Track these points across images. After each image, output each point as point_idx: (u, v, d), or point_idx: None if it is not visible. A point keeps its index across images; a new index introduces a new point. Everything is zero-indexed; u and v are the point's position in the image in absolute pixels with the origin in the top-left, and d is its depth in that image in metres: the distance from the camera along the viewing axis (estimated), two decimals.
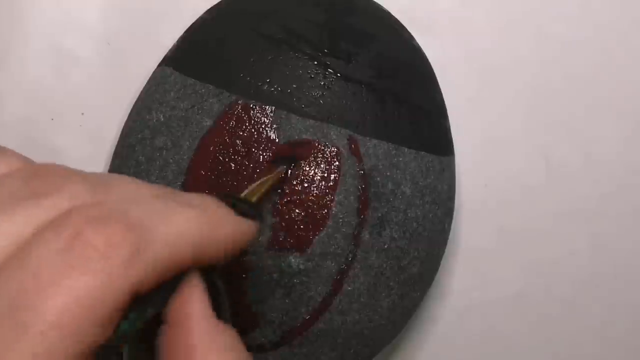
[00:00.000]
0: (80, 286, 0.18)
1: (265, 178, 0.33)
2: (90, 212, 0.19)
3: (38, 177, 0.21)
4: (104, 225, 0.19)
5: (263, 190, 0.32)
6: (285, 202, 0.34)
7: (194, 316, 0.21)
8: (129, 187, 0.22)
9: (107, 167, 0.39)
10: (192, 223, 0.21)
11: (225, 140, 0.35)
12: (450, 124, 0.39)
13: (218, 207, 0.23)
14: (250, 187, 0.32)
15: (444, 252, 0.39)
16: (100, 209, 0.20)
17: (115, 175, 0.23)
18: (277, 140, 0.34)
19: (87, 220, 0.19)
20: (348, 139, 0.35)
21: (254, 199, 0.31)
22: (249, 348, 0.35)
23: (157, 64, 0.39)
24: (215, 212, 0.23)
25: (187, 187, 0.35)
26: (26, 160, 0.22)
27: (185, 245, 0.21)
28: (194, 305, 0.21)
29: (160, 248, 0.20)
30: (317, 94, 0.35)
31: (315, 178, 0.34)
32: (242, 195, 0.30)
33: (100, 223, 0.19)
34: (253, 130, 0.35)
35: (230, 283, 0.27)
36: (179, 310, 0.21)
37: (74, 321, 0.18)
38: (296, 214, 0.34)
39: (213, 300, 0.22)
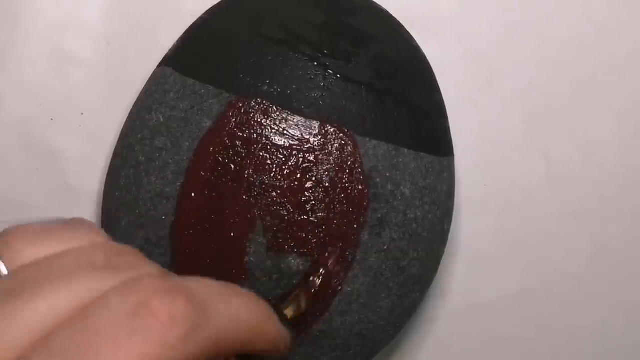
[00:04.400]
0: (138, 352, 0.18)
1: (300, 297, 0.34)
2: (157, 283, 0.20)
3: (119, 254, 0.22)
4: (169, 297, 0.19)
5: (301, 308, 0.33)
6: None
7: None
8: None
9: (107, 167, 0.39)
10: (247, 311, 0.22)
11: (225, 141, 0.35)
12: (450, 124, 0.39)
13: (265, 304, 0.24)
14: (286, 304, 0.33)
15: (443, 252, 0.39)
16: (167, 281, 0.20)
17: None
18: (280, 143, 0.34)
19: (153, 290, 0.19)
20: (348, 140, 0.35)
21: (290, 314, 0.32)
22: None
23: (157, 64, 0.39)
24: (264, 308, 0.23)
25: (186, 188, 0.35)
26: (108, 237, 0.23)
27: (239, 330, 0.21)
28: None
29: (218, 327, 0.20)
30: (317, 94, 0.35)
31: (313, 179, 0.34)
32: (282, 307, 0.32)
33: (166, 295, 0.19)
34: (253, 131, 0.35)
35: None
36: None
37: None
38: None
39: None
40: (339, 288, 0.34)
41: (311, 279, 0.34)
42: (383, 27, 0.39)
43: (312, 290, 0.34)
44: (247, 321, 0.22)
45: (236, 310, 0.21)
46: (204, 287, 0.21)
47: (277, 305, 0.30)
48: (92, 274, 0.20)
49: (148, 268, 0.21)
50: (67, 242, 0.22)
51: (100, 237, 0.23)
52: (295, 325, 0.33)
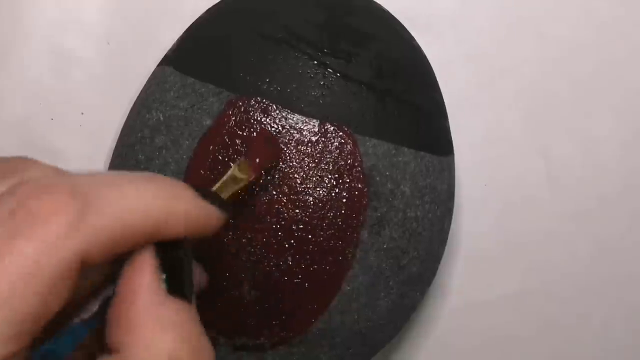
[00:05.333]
0: (21, 253, 0.18)
1: (239, 177, 0.32)
2: (38, 183, 0.19)
3: (5, 162, 0.21)
4: (47, 193, 0.19)
5: (236, 188, 0.31)
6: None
7: (140, 289, 0.21)
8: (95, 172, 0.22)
9: (107, 167, 0.39)
10: (146, 194, 0.21)
11: (225, 140, 0.35)
12: (450, 124, 0.39)
13: (176, 184, 0.23)
14: (222, 181, 0.31)
15: (443, 251, 0.39)
16: (47, 180, 0.20)
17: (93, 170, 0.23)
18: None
19: (32, 190, 0.19)
20: (347, 139, 0.35)
21: (223, 194, 0.30)
22: (249, 347, 0.35)
23: (157, 63, 0.39)
24: (173, 187, 0.22)
25: None
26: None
27: (138, 215, 0.21)
28: (141, 278, 0.21)
29: (108, 216, 0.20)
30: (317, 93, 0.35)
31: (313, 178, 0.34)
32: (214, 188, 0.30)
33: (44, 191, 0.19)
34: (253, 129, 0.35)
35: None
36: (127, 283, 0.21)
37: (14, 289, 0.18)
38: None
39: (174, 276, 0.22)
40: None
41: (242, 158, 0.33)
42: (383, 27, 0.39)
43: (245, 167, 0.32)
44: (146, 206, 0.21)
45: (131, 196, 0.21)
46: (91, 179, 0.20)
47: (206, 187, 0.28)
48: None
49: (37, 170, 0.21)
50: None
51: None
52: (235, 204, 0.31)
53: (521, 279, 0.44)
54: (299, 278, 0.34)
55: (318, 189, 0.34)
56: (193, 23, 0.39)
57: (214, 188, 0.30)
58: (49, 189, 0.19)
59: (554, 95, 0.44)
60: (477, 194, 0.43)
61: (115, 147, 0.38)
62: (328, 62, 0.36)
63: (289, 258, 0.34)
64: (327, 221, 0.34)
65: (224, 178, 0.31)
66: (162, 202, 0.21)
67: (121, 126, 0.39)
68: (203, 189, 0.24)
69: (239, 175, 0.31)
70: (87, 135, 0.42)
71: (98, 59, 0.43)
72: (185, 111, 0.35)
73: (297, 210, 0.34)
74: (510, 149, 0.44)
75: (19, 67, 0.42)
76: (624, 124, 0.44)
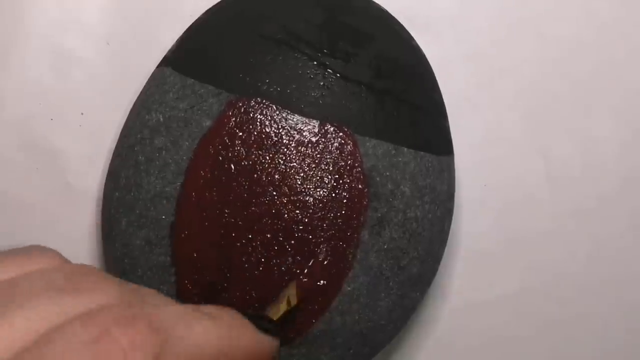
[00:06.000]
0: None
1: (289, 293, 0.33)
2: (119, 312, 0.20)
3: (78, 275, 0.22)
4: (131, 325, 0.19)
5: (288, 308, 0.32)
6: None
7: None
8: (158, 296, 0.23)
9: (107, 167, 0.39)
10: (212, 333, 0.22)
11: (225, 140, 0.35)
12: (450, 124, 0.39)
13: (237, 319, 0.24)
14: (276, 302, 0.33)
15: (443, 252, 0.39)
16: (128, 309, 0.20)
17: (146, 289, 0.24)
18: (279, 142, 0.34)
19: (114, 319, 0.19)
20: (347, 139, 0.35)
21: (276, 316, 0.32)
22: None
23: (157, 64, 0.39)
24: (235, 324, 0.23)
25: (186, 188, 0.35)
26: (66, 260, 0.23)
27: (204, 354, 0.21)
28: None
29: (179, 353, 0.20)
30: (317, 94, 0.35)
31: (313, 178, 0.34)
32: (266, 312, 0.32)
33: (127, 322, 0.19)
34: (252, 130, 0.35)
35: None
36: None
37: None
38: None
39: None
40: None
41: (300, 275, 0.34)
42: (383, 27, 0.39)
43: (300, 286, 0.34)
44: (211, 345, 0.22)
45: (199, 335, 0.21)
46: (165, 314, 0.21)
47: (259, 310, 0.29)
48: (52, 296, 0.20)
49: (108, 289, 0.21)
50: (20, 266, 0.21)
51: (57, 259, 0.22)
52: (285, 322, 0.32)
53: (521, 279, 0.44)
54: (299, 279, 0.34)
55: (318, 189, 0.34)
56: (193, 24, 0.39)
57: (268, 312, 0.33)
58: (132, 320, 0.20)
59: (554, 95, 0.44)
60: (476, 194, 0.43)
61: (115, 147, 0.38)
62: (327, 63, 0.36)
63: (289, 259, 0.34)
64: (327, 222, 0.34)
65: (280, 302, 0.33)
66: (226, 341, 0.22)
67: (121, 127, 0.39)
68: (259, 317, 0.25)
69: (292, 300, 0.33)
70: (87, 135, 0.42)
71: (98, 59, 0.43)
72: (185, 112, 0.35)
73: (298, 211, 0.34)
74: (510, 149, 0.44)
75: (19, 67, 0.42)
76: (624, 124, 0.44)
